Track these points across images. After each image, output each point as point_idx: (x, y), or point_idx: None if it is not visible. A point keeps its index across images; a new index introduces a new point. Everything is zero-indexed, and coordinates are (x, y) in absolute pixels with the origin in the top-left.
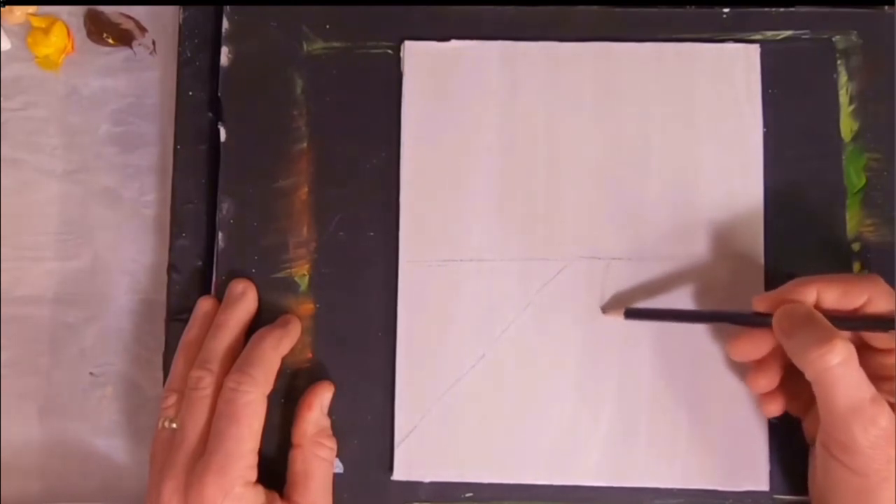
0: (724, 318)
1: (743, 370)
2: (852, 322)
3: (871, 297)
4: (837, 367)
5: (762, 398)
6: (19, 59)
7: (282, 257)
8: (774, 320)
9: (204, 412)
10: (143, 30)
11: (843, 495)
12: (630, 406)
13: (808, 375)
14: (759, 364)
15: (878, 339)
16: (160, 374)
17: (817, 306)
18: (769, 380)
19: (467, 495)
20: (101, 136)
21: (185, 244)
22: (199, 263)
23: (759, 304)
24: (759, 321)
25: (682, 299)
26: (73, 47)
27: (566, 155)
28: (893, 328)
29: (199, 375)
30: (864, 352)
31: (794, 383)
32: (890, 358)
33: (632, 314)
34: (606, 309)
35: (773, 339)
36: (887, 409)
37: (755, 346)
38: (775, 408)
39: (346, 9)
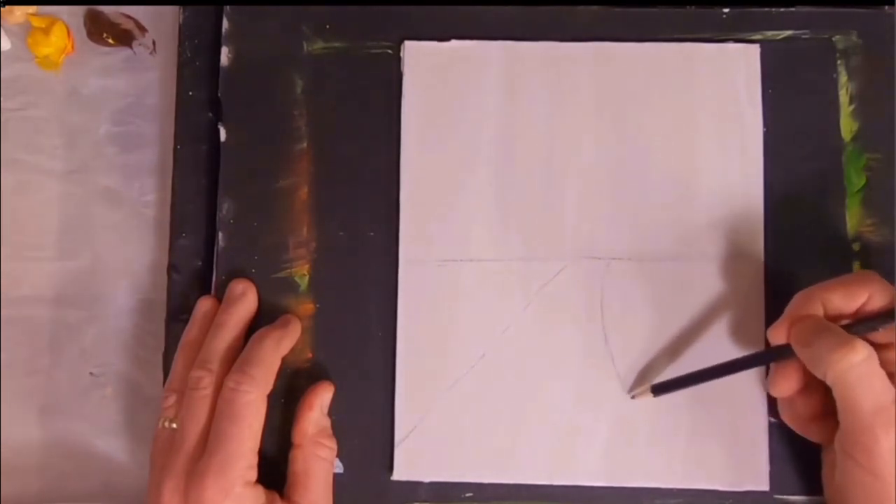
0: (749, 363)
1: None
2: (863, 325)
3: (871, 293)
4: (861, 366)
5: (807, 424)
6: (19, 59)
7: (282, 257)
8: (791, 338)
9: (204, 412)
10: (143, 30)
11: (863, 498)
12: (630, 406)
13: (830, 379)
14: (802, 392)
15: (878, 335)
16: (160, 374)
17: (826, 315)
18: (817, 401)
19: (467, 495)
20: (101, 136)
21: (185, 244)
22: (199, 263)
23: (774, 335)
24: (783, 353)
25: (682, 300)
26: (73, 47)
27: (566, 155)
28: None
29: (199, 375)
30: None
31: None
32: (892, 352)
33: (659, 390)
34: (635, 394)
35: (803, 366)
36: None
37: (791, 377)
38: (820, 430)
39: (346, 9)
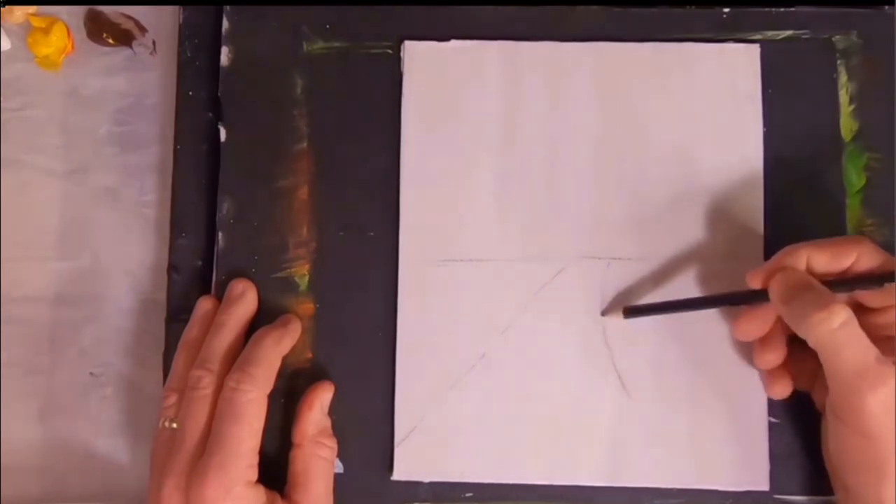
0: (721, 301)
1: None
2: (847, 283)
3: (858, 256)
4: (840, 330)
5: (769, 379)
6: (19, 59)
7: (282, 257)
8: (771, 289)
9: (204, 412)
10: (143, 30)
11: (856, 461)
12: (630, 406)
13: (811, 342)
14: (763, 341)
15: (870, 298)
16: (160, 374)
17: (809, 271)
18: (776, 354)
19: (467, 495)
20: (101, 136)
21: (185, 244)
22: (199, 263)
23: (754, 279)
24: (756, 298)
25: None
26: (73, 47)
27: (566, 155)
28: (891, 281)
29: (200, 375)
30: (858, 314)
31: (797, 356)
32: (884, 316)
33: (630, 312)
34: (606, 312)
35: (773, 314)
36: (894, 368)
37: (757, 322)
38: (783, 388)
39: (346, 9)
